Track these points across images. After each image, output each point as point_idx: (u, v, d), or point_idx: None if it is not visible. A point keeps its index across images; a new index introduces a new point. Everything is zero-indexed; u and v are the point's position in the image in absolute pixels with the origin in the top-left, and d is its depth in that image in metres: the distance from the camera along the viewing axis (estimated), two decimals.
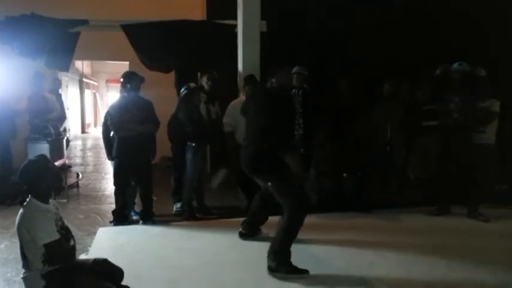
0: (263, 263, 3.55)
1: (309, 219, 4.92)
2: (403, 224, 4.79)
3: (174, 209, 5.32)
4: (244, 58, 5.64)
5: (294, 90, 5.27)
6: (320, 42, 6.53)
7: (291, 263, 3.35)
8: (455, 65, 4.88)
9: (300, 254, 3.79)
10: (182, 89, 5.09)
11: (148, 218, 4.79)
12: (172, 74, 6.32)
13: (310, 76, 5.37)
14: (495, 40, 6.32)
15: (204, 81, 5.27)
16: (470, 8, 6.46)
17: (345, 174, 5.46)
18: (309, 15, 6.86)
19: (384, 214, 5.06)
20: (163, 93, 6.11)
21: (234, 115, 5.22)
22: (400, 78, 5.77)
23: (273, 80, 3.78)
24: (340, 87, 5.48)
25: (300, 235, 4.16)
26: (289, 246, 3.40)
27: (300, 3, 6.78)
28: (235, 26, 5.87)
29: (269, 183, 3.51)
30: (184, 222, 4.88)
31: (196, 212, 5.11)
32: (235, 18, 5.85)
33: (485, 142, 5.03)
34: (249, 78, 5.25)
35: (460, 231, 4.51)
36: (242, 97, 5.33)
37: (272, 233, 4.12)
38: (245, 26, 5.64)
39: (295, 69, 5.31)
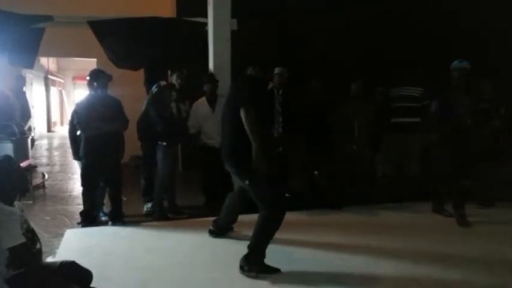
0: (234, 262, 3.54)
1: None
2: (372, 221, 4.89)
3: (145, 209, 5.24)
4: (215, 56, 5.62)
5: (274, 90, 5.33)
6: (294, 42, 6.59)
7: (263, 262, 3.35)
8: (455, 62, 4.77)
9: (270, 252, 3.83)
10: (153, 87, 5.03)
11: (117, 218, 4.71)
12: (142, 72, 6.23)
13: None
14: (477, 40, 6.43)
15: (174, 79, 5.23)
16: (451, 8, 6.57)
17: (315, 172, 5.54)
18: (281, 14, 6.91)
19: (353, 211, 5.16)
20: (132, 91, 6.02)
21: (197, 116, 5.23)
22: (375, 77, 5.89)
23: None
24: (311, 87, 5.55)
25: (278, 232, 4.28)
26: (265, 247, 3.38)
27: (271, 2, 6.83)
28: (205, 23, 5.84)
29: (246, 182, 3.45)
30: (154, 223, 4.82)
31: (167, 212, 5.05)
32: (205, 15, 5.81)
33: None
34: (208, 77, 5.27)
35: (426, 227, 4.64)
36: (204, 97, 5.32)
37: (244, 232, 4.14)
38: (216, 23, 5.62)
39: (276, 71, 5.38)
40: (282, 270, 3.36)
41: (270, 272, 3.31)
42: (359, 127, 5.50)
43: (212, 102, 5.27)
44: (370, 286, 3.09)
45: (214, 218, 4.29)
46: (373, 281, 3.17)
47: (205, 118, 5.21)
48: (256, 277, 3.27)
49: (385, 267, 3.43)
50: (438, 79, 5.51)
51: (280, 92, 5.37)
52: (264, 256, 3.38)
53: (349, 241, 4.05)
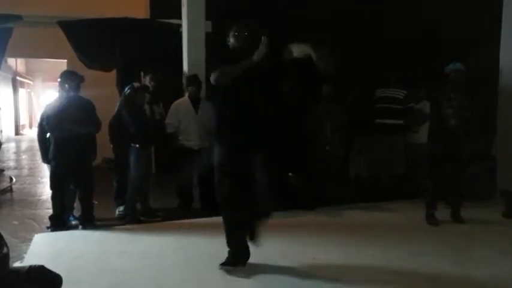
0: (207, 264, 3.54)
1: None
2: (344, 220, 4.96)
3: (117, 212, 5.16)
4: (190, 58, 5.60)
5: None
6: (271, 43, 6.60)
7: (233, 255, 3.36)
8: (450, 66, 4.78)
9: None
10: (126, 89, 4.97)
11: (88, 222, 4.61)
12: (114, 73, 6.14)
13: None
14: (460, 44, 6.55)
15: (148, 81, 5.18)
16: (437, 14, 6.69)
17: (290, 174, 5.58)
18: (256, 17, 6.92)
19: (326, 211, 5.21)
20: (105, 93, 5.93)
21: (177, 115, 5.19)
22: (360, 79, 5.98)
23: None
24: (286, 88, 5.59)
25: None
26: (232, 243, 3.38)
27: (246, 5, 6.84)
28: (180, 25, 5.81)
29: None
30: (127, 226, 4.75)
31: (140, 215, 4.99)
32: (179, 17, 5.79)
33: (419, 142, 5.35)
34: (193, 79, 5.24)
35: (398, 225, 4.74)
36: (186, 97, 5.29)
37: (219, 234, 4.13)
38: (190, 25, 5.60)
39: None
40: (255, 271, 3.36)
41: (236, 261, 3.32)
42: (331, 128, 5.58)
43: (195, 104, 5.23)
44: (342, 283, 3.13)
45: (190, 220, 4.25)
46: (345, 280, 3.21)
47: (187, 118, 5.17)
48: (228, 278, 3.27)
49: (357, 266, 3.49)
50: (424, 81, 5.69)
51: None
52: (235, 255, 3.36)
53: (322, 241, 4.09)
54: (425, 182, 5.02)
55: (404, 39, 6.56)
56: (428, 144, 5.00)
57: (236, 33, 3.26)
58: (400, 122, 5.68)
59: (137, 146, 4.84)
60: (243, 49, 3.19)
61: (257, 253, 3.77)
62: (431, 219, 4.77)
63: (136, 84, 5.03)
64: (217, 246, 4.00)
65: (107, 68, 6.21)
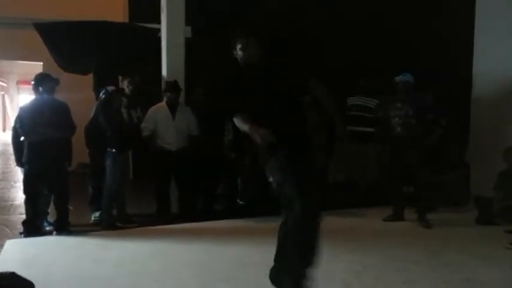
0: (185, 270, 3.51)
1: (235, 223, 5.05)
2: (322, 226, 4.97)
3: (93, 218, 5.07)
4: (169, 63, 5.57)
5: None
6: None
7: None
8: (400, 76, 4.99)
9: (223, 257, 3.84)
10: (101, 93, 4.90)
11: (63, 228, 4.51)
12: (91, 77, 6.06)
13: None
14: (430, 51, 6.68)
15: (125, 85, 5.12)
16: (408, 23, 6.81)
17: (269, 179, 5.57)
18: (235, 22, 6.94)
19: None
20: (81, 97, 5.84)
21: (154, 119, 5.15)
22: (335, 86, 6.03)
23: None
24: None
25: (227, 239, 4.19)
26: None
27: (225, 10, 6.86)
28: (158, 30, 5.78)
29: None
30: (103, 232, 4.67)
31: (116, 221, 4.91)
32: (158, 21, 5.76)
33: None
34: (172, 85, 5.20)
35: (374, 231, 4.79)
36: (163, 103, 5.26)
37: (197, 240, 4.09)
38: (169, 30, 5.57)
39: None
40: (233, 275, 3.34)
41: None
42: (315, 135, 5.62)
43: (172, 110, 5.20)
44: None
45: (168, 226, 4.20)
46: (322, 284, 3.22)
47: (164, 124, 5.12)
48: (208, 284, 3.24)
49: (333, 271, 3.50)
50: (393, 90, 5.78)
51: None
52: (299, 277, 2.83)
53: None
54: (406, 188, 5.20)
55: (378, 48, 6.69)
56: (377, 151, 5.29)
57: (246, 47, 2.99)
58: (372, 130, 5.80)
59: (114, 150, 4.77)
60: (254, 65, 3.00)
61: (237, 258, 3.77)
62: (386, 218, 5.10)
63: (110, 88, 4.97)
64: (196, 253, 3.99)
65: (83, 72, 6.12)
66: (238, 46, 3.00)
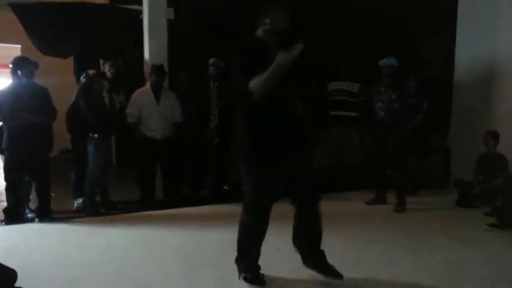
0: (169, 256, 3.52)
1: (221, 208, 5.06)
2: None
3: (76, 204, 5.02)
4: (151, 46, 5.47)
5: (209, 82, 5.29)
6: (232, 33, 6.53)
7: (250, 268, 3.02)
8: (384, 60, 4.99)
9: (208, 242, 3.86)
10: (81, 77, 4.80)
11: (45, 215, 4.46)
12: (71, 60, 5.92)
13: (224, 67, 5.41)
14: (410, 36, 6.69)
15: (107, 69, 5.03)
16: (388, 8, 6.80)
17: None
18: (218, 6, 6.84)
19: (287, 202, 5.24)
20: (62, 81, 5.71)
21: (139, 104, 5.08)
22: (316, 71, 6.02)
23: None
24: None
25: (212, 224, 4.24)
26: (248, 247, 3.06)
27: None
28: (140, 11, 5.65)
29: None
30: (86, 219, 4.63)
31: (100, 207, 4.87)
32: (140, 3, 5.63)
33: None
34: (157, 68, 5.12)
35: (356, 214, 4.88)
36: (147, 86, 5.18)
37: (182, 227, 4.08)
38: (151, 12, 5.46)
39: (211, 61, 5.32)
40: (218, 260, 3.36)
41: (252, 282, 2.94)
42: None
43: (157, 94, 5.12)
44: (303, 271, 3.18)
45: (153, 212, 4.19)
46: (306, 269, 3.27)
47: (148, 109, 5.06)
48: (193, 270, 3.26)
49: None
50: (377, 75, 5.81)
51: (215, 84, 5.34)
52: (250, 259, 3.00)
53: (285, 231, 4.13)
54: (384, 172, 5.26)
55: (359, 33, 6.67)
56: (360, 136, 5.37)
57: (278, 15, 2.71)
58: (355, 114, 5.84)
59: (96, 135, 4.70)
60: (284, 33, 2.70)
61: (221, 244, 3.78)
62: (369, 201, 5.22)
63: (91, 72, 4.87)
64: (181, 239, 4.00)
65: (63, 55, 5.97)
66: (268, 20, 2.71)
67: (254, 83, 2.62)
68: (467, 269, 3.31)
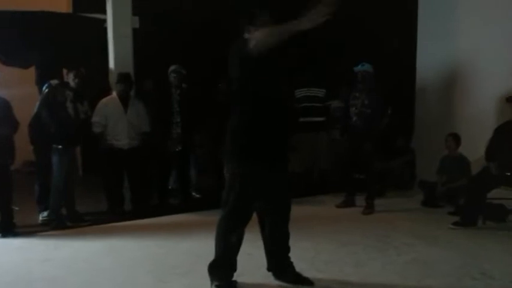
0: (138, 266, 3.47)
1: (190, 217, 5.02)
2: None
3: (40, 218, 4.85)
4: (116, 55, 5.39)
5: (171, 89, 5.26)
6: (197, 41, 6.54)
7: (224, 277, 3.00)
8: (359, 66, 5.09)
9: (178, 251, 3.82)
10: (44, 87, 4.69)
11: (7, 230, 4.30)
12: (33, 71, 5.77)
13: (187, 75, 5.40)
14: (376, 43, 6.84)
15: (71, 79, 4.92)
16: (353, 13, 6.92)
17: (225, 172, 5.57)
18: (184, 14, 6.83)
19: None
20: (23, 92, 5.53)
21: (105, 114, 4.99)
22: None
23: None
24: (219, 86, 5.60)
25: (181, 233, 4.20)
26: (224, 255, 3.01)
27: (174, 1, 6.73)
28: (104, 20, 5.57)
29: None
30: (52, 232, 4.49)
31: (66, 220, 4.73)
32: (104, 12, 5.55)
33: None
34: (124, 76, 5.06)
35: (326, 217, 4.93)
36: (114, 95, 5.11)
37: (153, 236, 4.01)
38: (115, 20, 5.38)
39: (172, 68, 5.30)
40: (188, 267, 3.33)
41: None
42: None
43: (124, 103, 5.04)
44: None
45: (120, 223, 4.12)
46: None
47: (115, 118, 4.97)
48: (161, 279, 3.21)
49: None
50: (340, 80, 5.92)
51: (177, 92, 5.30)
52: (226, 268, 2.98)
53: (256, 237, 4.14)
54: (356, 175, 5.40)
55: (327, 38, 6.79)
56: (331, 140, 5.59)
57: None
58: (322, 119, 5.96)
59: (59, 146, 4.58)
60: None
61: (193, 251, 3.75)
62: (338, 204, 5.30)
63: (54, 82, 4.76)
64: (150, 248, 3.93)
65: (24, 65, 5.81)
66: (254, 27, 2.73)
67: (260, 34, 2.59)
68: (433, 267, 3.41)
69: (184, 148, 5.32)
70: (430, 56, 6.15)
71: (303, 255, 3.59)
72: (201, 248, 3.73)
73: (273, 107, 2.82)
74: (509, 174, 4.23)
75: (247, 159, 2.84)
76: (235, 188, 2.86)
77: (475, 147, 5.02)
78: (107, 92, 5.27)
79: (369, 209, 5.06)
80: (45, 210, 4.83)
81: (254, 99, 2.81)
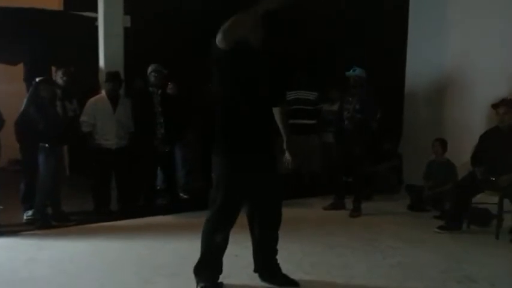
0: (124, 267, 3.45)
1: (177, 218, 5.00)
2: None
3: (25, 217, 4.79)
4: (106, 53, 5.35)
5: (152, 89, 5.17)
6: (189, 41, 6.52)
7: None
8: (350, 71, 5.13)
9: (164, 252, 3.80)
10: (32, 84, 4.64)
11: None
12: (21, 68, 5.71)
13: (176, 75, 5.37)
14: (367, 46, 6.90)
15: (59, 76, 4.87)
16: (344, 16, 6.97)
17: (212, 174, 5.56)
18: (176, 13, 6.81)
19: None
20: (10, 89, 5.49)
21: (93, 113, 4.95)
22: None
23: None
24: (209, 86, 5.57)
25: (168, 234, 4.18)
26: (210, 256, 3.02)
27: (166, 1, 6.71)
28: (95, 18, 5.54)
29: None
30: (37, 231, 4.43)
31: (51, 219, 4.68)
32: (95, 10, 5.51)
33: (333, 141, 5.70)
34: (113, 75, 5.02)
35: (314, 220, 4.95)
36: (103, 94, 5.07)
37: (140, 237, 3.98)
38: (106, 19, 5.35)
39: (152, 67, 5.20)
40: (175, 269, 3.32)
41: None
42: None
43: (113, 102, 5.00)
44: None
45: (107, 223, 4.07)
46: None
47: (104, 117, 4.92)
48: (150, 280, 3.20)
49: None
50: (331, 84, 5.94)
51: (159, 91, 5.20)
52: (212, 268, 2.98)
53: (243, 238, 4.13)
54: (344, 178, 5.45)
55: (317, 41, 6.83)
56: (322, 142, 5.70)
57: (254, 29, 2.77)
58: (313, 122, 5.98)
59: (46, 145, 4.54)
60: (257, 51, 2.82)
61: (178, 253, 3.74)
62: (326, 206, 5.34)
63: (39, 79, 4.71)
64: (136, 249, 3.91)
65: (12, 62, 5.75)
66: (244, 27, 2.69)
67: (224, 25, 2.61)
68: (419, 270, 3.45)
69: (171, 148, 5.29)
70: (420, 61, 6.22)
71: (290, 257, 3.60)
72: (188, 249, 3.72)
73: (251, 105, 2.85)
74: (494, 179, 4.28)
75: (230, 147, 2.88)
76: (222, 188, 2.87)
77: (462, 152, 5.09)
78: (96, 90, 5.23)
79: (356, 212, 5.10)
80: (30, 209, 4.76)
81: (230, 97, 2.87)
